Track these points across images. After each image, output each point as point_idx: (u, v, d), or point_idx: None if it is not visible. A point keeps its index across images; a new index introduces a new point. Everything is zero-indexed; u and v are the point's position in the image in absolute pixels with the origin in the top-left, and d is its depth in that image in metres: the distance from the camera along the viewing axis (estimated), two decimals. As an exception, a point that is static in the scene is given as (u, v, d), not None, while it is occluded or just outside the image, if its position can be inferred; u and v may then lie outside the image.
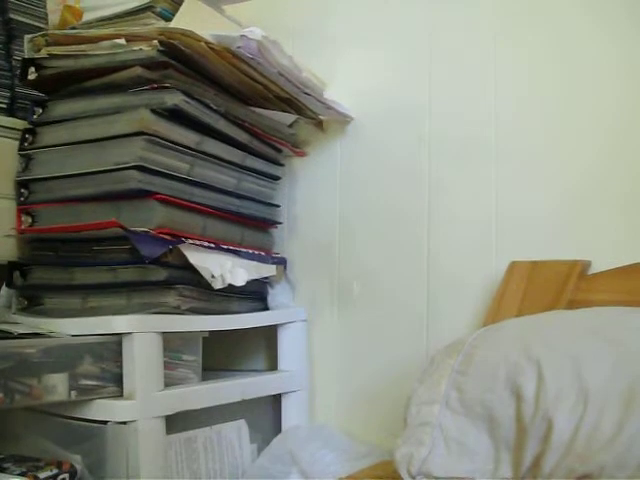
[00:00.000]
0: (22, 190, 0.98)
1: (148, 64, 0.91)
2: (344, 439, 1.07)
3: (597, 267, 0.93)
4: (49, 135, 0.98)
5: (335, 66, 1.19)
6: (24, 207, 0.98)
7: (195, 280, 0.94)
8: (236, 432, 1.03)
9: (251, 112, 1.08)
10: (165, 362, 0.89)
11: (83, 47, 0.95)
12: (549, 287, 0.92)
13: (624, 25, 0.95)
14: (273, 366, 1.17)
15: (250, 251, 1.08)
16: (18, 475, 0.80)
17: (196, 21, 0.94)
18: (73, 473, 0.83)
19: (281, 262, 1.16)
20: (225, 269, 0.98)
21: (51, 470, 0.81)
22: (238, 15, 1.11)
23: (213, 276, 0.95)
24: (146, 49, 0.90)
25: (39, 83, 0.99)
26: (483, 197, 1.04)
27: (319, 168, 1.21)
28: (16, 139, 1.00)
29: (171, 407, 0.88)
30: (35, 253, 0.99)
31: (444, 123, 1.09)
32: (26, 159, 0.98)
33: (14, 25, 1.09)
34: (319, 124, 1.20)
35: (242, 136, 1.06)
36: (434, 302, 1.08)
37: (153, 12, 0.98)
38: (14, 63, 1.07)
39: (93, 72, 0.95)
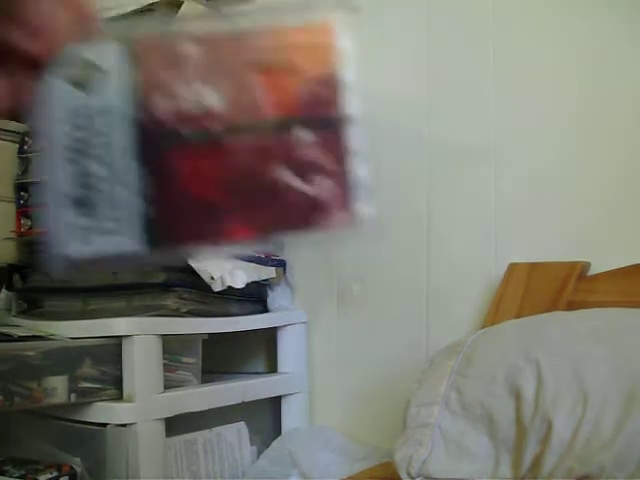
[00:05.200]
0: (22, 193, 0.98)
1: (147, 67, 0.91)
2: (344, 441, 1.07)
3: (596, 268, 0.93)
4: (49, 138, 0.98)
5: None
6: (24, 210, 0.98)
7: (195, 282, 0.94)
8: (236, 434, 1.03)
9: (250, 115, 1.08)
10: (165, 364, 0.90)
11: (82, 50, 0.95)
12: (548, 288, 0.92)
13: (632, 24, 0.95)
14: (273, 368, 1.17)
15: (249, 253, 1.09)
16: (18, 478, 0.80)
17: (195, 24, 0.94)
18: (73, 475, 0.82)
19: (281, 264, 1.16)
20: (224, 271, 0.98)
21: (51, 473, 0.81)
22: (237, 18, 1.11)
23: (212, 278, 0.95)
24: (145, 52, 0.90)
25: (39, 86, 0.99)
26: (482, 199, 1.04)
27: (318, 170, 1.21)
28: (16, 142, 1.00)
29: (171, 409, 0.88)
30: (35, 256, 0.99)
31: (443, 125, 1.09)
32: (26, 162, 0.98)
33: (14, 28, 1.09)
34: (318, 126, 1.20)
35: (241, 139, 1.06)
36: (433, 304, 1.08)
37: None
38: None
39: (92, 75, 0.95)
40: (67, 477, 0.82)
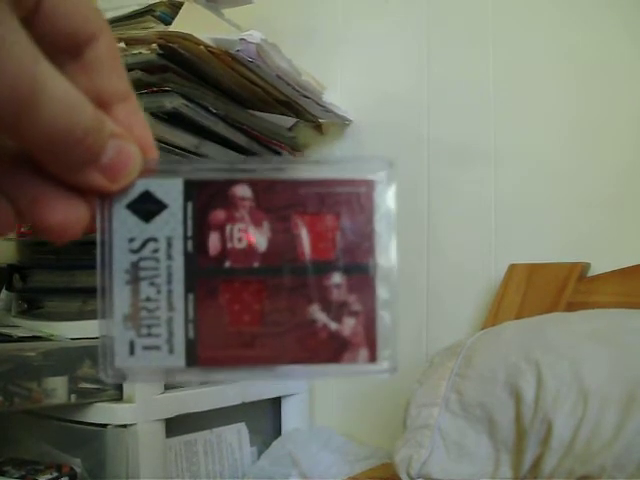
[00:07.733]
0: (22, 193, 0.98)
1: (147, 68, 0.91)
2: (344, 441, 1.07)
3: (596, 269, 0.93)
4: (49, 138, 0.98)
5: (334, 69, 1.19)
6: (24, 210, 0.98)
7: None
8: (236, 435, 1.03)
9: (250, 115, 1.08)
10: (165, 365, 0.89)
11: (82, 51, 0.95)
12: (548, 289, 0.92)
13: (632, 23, 0.95)
14: (273, 369, 1.17)
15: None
16: (18, 478, 0.80)
17: (195, 24, 0.94)
18: (73, 476, 0.82)
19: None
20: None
21: (51, 473, 0.81)
22: (237, 18, 1.11)
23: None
24: (145, 53, 0.90)
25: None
26: (482, 200, 1.04)
27: (318, 171, 1.21)
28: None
29: (171, 410, 0.88)
30: (35, 256, 0.99)
31: (443, 125, 1.09)
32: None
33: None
34: (318, 127, 1.20)
35: (241, 139, 1.06)
36: (433, 305, 1.08)
37: (153, 16, 0.98)
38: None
39: (92, 76, 0.95)
40: (67, 478, 0.82)
